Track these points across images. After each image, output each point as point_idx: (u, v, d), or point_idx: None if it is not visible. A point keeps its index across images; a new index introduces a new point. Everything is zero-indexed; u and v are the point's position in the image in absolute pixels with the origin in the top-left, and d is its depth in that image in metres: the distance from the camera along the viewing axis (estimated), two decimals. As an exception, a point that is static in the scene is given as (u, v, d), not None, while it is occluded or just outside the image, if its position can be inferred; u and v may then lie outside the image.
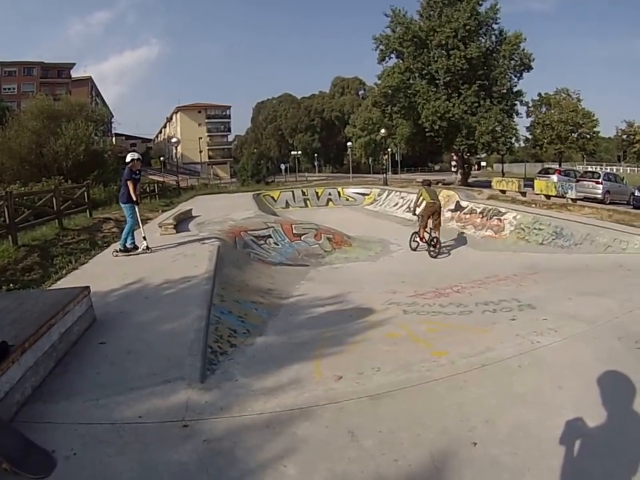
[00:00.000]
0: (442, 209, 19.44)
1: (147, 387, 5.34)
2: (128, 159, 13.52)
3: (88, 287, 7.56)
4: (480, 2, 45.71)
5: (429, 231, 18.25)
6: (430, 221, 18.27)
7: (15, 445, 4.13)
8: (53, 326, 6.03)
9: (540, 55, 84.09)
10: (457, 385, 5.28)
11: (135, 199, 13.26)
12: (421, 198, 18.91)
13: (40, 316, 6.07)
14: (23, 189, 28.40)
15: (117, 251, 13.48)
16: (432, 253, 17.74)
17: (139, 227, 13.83)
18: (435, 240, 17.96)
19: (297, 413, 4.91)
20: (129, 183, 13.13)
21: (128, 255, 13.18)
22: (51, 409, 4.98)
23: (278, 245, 17.75)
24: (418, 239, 18.79)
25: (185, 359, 5.99)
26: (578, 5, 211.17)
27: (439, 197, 19.95)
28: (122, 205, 13.76)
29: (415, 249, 18.75)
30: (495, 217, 20.99)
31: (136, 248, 13.42)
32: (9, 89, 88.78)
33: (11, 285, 11.08)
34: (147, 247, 13.41)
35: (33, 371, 5.34)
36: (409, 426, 4.61)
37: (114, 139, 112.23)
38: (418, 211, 19.35)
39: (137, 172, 13.77)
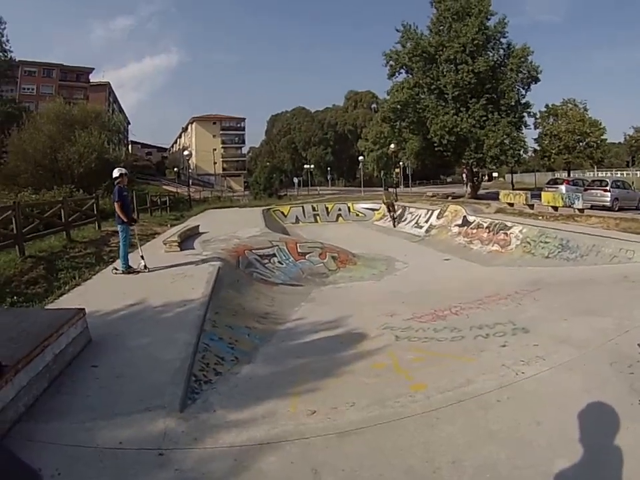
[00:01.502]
0: (394, 205, 33.91)
1: (130, 414, 5.42)
2: (116, 174, 13.50)
3: (83, 309, 7.64)
4: (488, 16, 45.75)
5: (390, 214, 33.28)
6: (389, 208, 33.39)
7: (3, 460, 4.08)
8: (47, 347, 6.16)
9: (546, 66, 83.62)
10: (428, 422, 5.15)
11: (125, 220, 13.20)
12: (384, 197, 34.47)
13: (36, 337, 6.20)
14: (34, 196, 28.56)
15: (116, 269, 13.46)
16: (394, 223, 32.66)
17: (136, 249, 13.94)
18: (394, 217, 33.05)
19: (266, 448, 4.87)
20: (116, 205, 13.10)
21: (128, 274, 13.11)
22: (42, 428, 5.12)
23: (282, 264, 17.56)
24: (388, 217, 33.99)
25: (167, 388, 6.02)
26: (584, 15, 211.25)
27: (391, 198, 34.24)
28: (117, 225, 13.67)
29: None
30: (501, 231, 20.85)
31: (131, 269, 13.34)
32: (28, 89, 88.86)
33: (15, 297, 11.12)
34: (145, 266, 13.35)
35: (26, 391, 5.49)
36: (372, 465, 4.53)
37: (130, 146, 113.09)
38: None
39: (125, 188, 13.78)
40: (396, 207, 34.04)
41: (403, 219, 32.76)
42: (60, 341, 6.56)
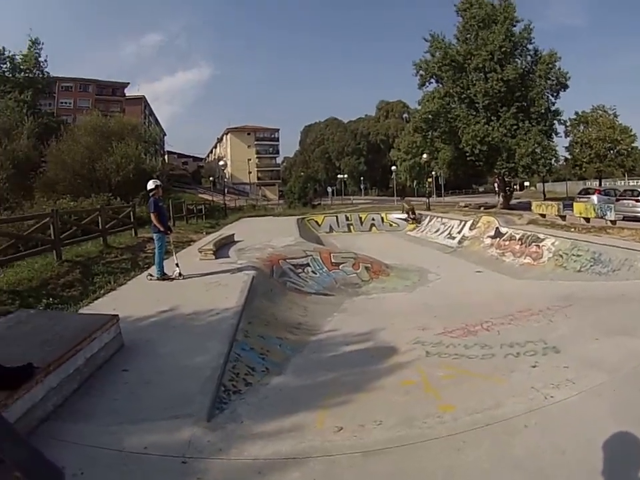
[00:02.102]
0: (414, 209, 39.09)
1: (157, 420, 5.41)
2: (151, 185, 13.65)
3: (117, 316, 7.72)
4: (514, 23, 45.79)
5: (410, 217, 38.08)
6: (409, 214, 38.31)
7: (28, 456, 4.12)
8: (79, 351, 6.29)
9: (573, 71, 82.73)
10: (455, 445, 5.02)
11: (162, 229, 13.33)
12: (404, 204, 41.11)
13: (68, 340, 6.33)
14: (72, 203, 28.91)
15: (151, 275, 13.62)
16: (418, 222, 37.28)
17: (171, 256, 14.06)
18: (412, 219, 37.87)
19: (291, 463, 4.81)
20: (152, 215, 13.22)
21: (163, 280, 13.20)
22: (68, 428, 5.19)
23: (316, 273, 17.43)
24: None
25: (196, 396, 5.98)
26: (607, 17, 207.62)
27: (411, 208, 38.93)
28: (153, 234, 13.83)
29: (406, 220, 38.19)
30: (533, 244, 20.53)
31: (166, 276, 13.39)
32: (65, 103, 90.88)
33: (51, 299, 11.36)
34: (180, 274, 13.40)
35: (55, 391, 5.59)
36: (394, 487, 4.43)
37: (166, 156, 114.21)
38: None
39: (161, 198, 13.92)
40: (415, 214, 38.59)
41: (435, 230, 32.48)
42: (92, 345, 6.67)
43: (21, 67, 70.61)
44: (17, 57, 69.95)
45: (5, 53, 69.40)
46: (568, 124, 58.84)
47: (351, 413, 5.98)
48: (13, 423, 4.46)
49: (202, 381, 6.37)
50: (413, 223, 37.47)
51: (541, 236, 20.69)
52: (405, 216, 38.74)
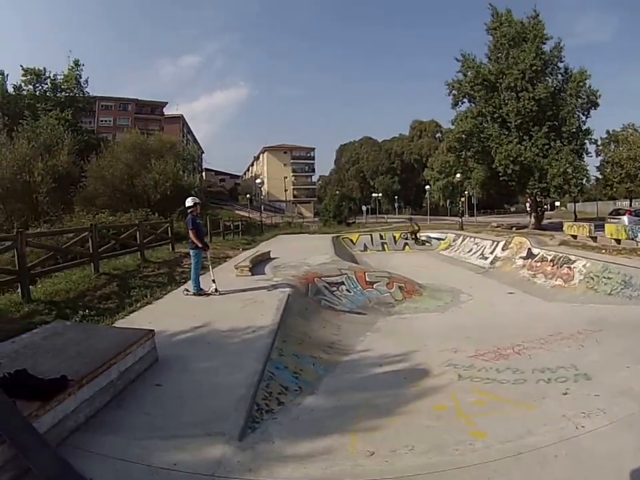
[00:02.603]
0: (419, 232, 39.48)
1: (188, 436, 5.37)
2: (189, 203, 13.72)
3: (152, 331, 7.73)
4: (544, 41, 45.46)
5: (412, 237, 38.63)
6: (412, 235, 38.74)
7: (56, 467, 4.24)
8: (113, 365, 6.32)
9: (604, 89, 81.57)
10: (485, 474, 4.89)
11: (199, 246, 13.40)
12: (412, 225, 40.48)
13: (103, 353, 6.37)
14: (111, 217, 29.38)
15: (187, 290, 13.68)
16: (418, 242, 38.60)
17: (208, 271, 14.15)
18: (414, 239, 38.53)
19: (321, 487, 4.72)
20: (190, 232, 13.31)
21: (199, 296, 13.26)
22: (98, 440, 5.18)
23: (350, 292, 17.29)
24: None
25: (230, 414, 5.93)
26: (636, 32, 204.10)
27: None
28: (190, 250, 13.90)
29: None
30: (565, 265, 20.21)
31: (202, 291, 13.44)
32: (105, 121, 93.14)
33: (87, 310, 11.47)
34: (216, 290, 13.47)
35: (88, 403, 5.64)
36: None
37: (204, 173, 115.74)
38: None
39: (198, 216, 14.13)
40: (418, 235, 39.33)
41: (468, 250, 32.17)
42: (127, 359, 6.70)
43: (62, 86, 72.19)
44: (58, 77, 72.04)
45: (46, 73, 71.36)
46: (599, 143, 58.19)
47: (382, 437, 5.88)
48: (43, 433, 4.56)
49: (235, 398, 6.32)
50: (415, 240, 39.02)
51: (572, 257, 20.41)
52: (408, 235, 39.68)
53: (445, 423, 6.37)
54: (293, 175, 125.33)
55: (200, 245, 13.42)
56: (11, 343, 6.85)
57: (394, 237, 39.40)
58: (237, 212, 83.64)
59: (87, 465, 4.49)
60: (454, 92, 49.60)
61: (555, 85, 46.04)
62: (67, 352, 6.33)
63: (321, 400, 7.42)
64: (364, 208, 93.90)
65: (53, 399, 4.91)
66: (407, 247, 38.44)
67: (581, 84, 44.58)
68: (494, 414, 6.65)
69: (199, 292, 13.37)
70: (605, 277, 17.40)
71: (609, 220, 35.26)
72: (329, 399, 7.52)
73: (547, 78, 46.48)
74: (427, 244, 38.39)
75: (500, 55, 47.82)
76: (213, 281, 13.60)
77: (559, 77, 46.94)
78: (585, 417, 6.11)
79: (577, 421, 6.00)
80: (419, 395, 7.59)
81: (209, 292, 13.42)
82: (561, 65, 46.77)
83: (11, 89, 70.80)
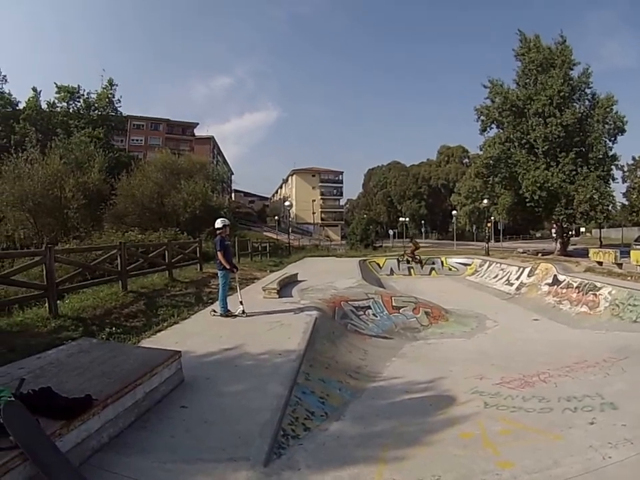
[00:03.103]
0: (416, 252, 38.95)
1: (212, 461, 5.27)
2: (219, 225, 13.72)
3: (179, 352, 7.70)
4: (571, 67, 45.47)
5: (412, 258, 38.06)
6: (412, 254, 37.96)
7: None
8: (138, 386, 6.27)
9: (630, 114, 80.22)
10: (512, 506, 4.83)
11: (227, 267, 13.38)
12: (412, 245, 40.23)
13: (128, 373, 6.34)
14: (140, 235, 29.71)
15: (214, 311, 13.67)
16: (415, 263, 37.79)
17: (235, 292, 14.02)
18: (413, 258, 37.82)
19: (347, 517, 4.63)
20: (219, 253, 13.32)
21: (226, 317, 13.23)
22: (122, 461, 5.12)
23: (376, 316, 17.23)
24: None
25: (255, 440, 5.81)
26: None
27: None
28: (218, 271, 13.90)
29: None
30: (590, 292, 19.92)
31: (229, 313, 13.40)
32: (137, 140, 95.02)
33: (114, 328, 11.52)
34: (243, 312, 13.39)
35: (112, 423, 5.60)
36: None
37: (233, 194, 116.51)
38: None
39: (227, 237, 14.12)
40: (416, 254, 39.22)
41: (494, 276, 32.03)
42: (152, 380, 6.65)
43: (95, 105, 74.05)
44: (91, 95, 75.09)
45: (80, 91, 73.70)
46: (625, 169, 57.74)
47: (409, 466, 5.80)
48: (66, 451, 4.56)
49: (261, 423, 6.22)
50: (408, 258, 39.00)
51: (598, 284, 20.14)
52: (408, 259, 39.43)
53: (471, 452, 6.29)
54: (321, 198, 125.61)
55: (228, 267, 13.42)
56: (36, 359, 6.90)
57: (421, 262, 39.12)
58: (265, 233, 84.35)
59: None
60: (482, 118, 49.74)
61: (582, 111, 45.95)
62: (92, 371, 6.35)
63: (347, 426, 7.33)
64: (391, 232, 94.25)
65: (77, 419, 4.91)
66: (433, 271, 38.30)
67: (608, 110, 44.51)
68: (521, 444, 6.53)
69: (226, 313, 13.34)
70: (630, 304, 17.17)
71: (634, 246, 34.98)
72: (355, 425, 7.42)
73: (575, 104, 46.46)
74: (453, 269, 38.26)
75: (528, 80, 48.02)
76: (241, 302, 13.53)
77: (586, 102, 47.02)
78: (612, 447, 5.99)
79: (603, 451, 5.88)
80: (445, 422, 7.49)
81: (236, 313, 13.37)
82: (588, 90, 46.88)
83: (44, 106, 72.22)
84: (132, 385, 6.03)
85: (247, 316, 13.28)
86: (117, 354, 7.27)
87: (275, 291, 17.28)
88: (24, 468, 4.08)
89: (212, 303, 15.36)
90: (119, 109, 78.50)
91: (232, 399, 7.08)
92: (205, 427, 6.10)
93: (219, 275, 13.81)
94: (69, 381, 5.83)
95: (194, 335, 11.02)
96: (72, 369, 6.39)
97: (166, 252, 19.24)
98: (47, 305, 11.70)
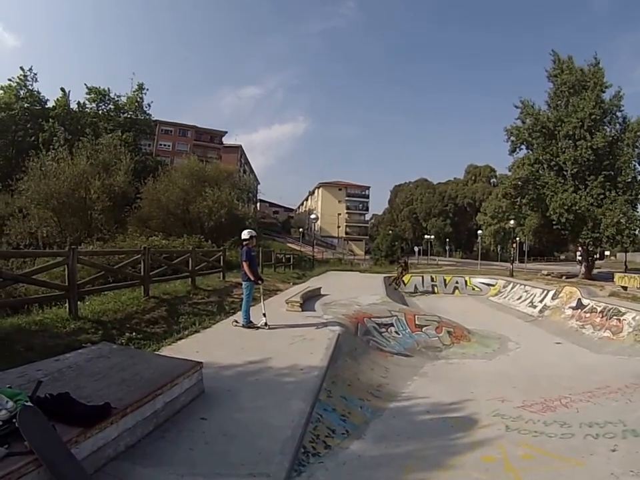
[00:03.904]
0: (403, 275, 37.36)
1: (231, 476, 5.14)
2: (245, 235, 13.70)
3: (201, 363, 7.55)
4: (603, 89, 45.07)
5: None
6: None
7: None
8: (158, 396, 6.15)
9: None
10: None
11: (252, 279, 13.37)
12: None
13: (149, 382, 6.25)
14: (164, 241, 29.89)
15: (237, 322, 13.65)
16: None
17: (260, 304, 13.89)
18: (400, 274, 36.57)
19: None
20: (244, 264, 13.31)
21: (248, 328, 13.19)
22: (137, 471, 5.02)
23: (399, 334, 17.17)
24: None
25: (275, 456, 5.65)
26: None
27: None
28: (242, 281, 13.88)
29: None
30: (614, 317, 19.87)
31: (252, 324, 13.36)
32: (165, 145, 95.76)
33: (134, 333, 11.59)
34: (266, 324, 13.31)
35: (129, 432, 5.48)
36: None
37: (258, 204, 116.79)
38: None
39: (253, 249, 14.28)
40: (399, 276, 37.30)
41: (518, 297, 31.83)
42: (173, 390, 6.55)
43: (125, 108, 76.02)
44: (121, 98, 76.47)
45: (110, 93, 75.52)
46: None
47: (431, 490, 5.73)
48: (81, 459, 4.52)
49: (282, 440, 6.07)
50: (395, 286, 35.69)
51: (622, 309, 20.04)
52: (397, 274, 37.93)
53: (493, 476, 6.27)
54: (346, 212, 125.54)
55: (253, 278, 13.41)
56: (54, 361, 6.88)
57: (444, 280, 39.09)
58: (288, 245, 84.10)
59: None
60: (512, 138, 49.42)
61: (612, 134, 45.41)
62: (111, 377, 6.31)
63: (369, 446, 7.28)
64: (416, 249, 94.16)
65: (94, 427, 4.87)
66: (456, 291, 38.15)
67: (639, 133, 43.97)
68: (543, 469, 6.50)
69: (249, 324, 13.31)
70: (654, 331, 17.00)
71: (658, 272, 34.75)
72: (376, 445, 7.37)
73: (605, 127, 45.97)
74: (476, 289, 38.11)
75: (560, 102, 47.71)
76: (264, 314, 13.45)
77: (617, 126, 46.43)
78: (634, 475, 5.97)
79: (625, 479, 5.85)
80: (466, 445, 7.46)
81: (259, 325, 13.32)
82: (619, 114, 46.32)
83: (74, 106, 73.14)
84: (152, 394, 6.00)
85: (269, 328, 13.23)
86: (137, 361, 7.23)
87: (298, 304, 17.23)
88: (37, 474, 4.07)
89: (234, 313, 15.40)
90: (148, 112, 79.56)
91: (253, 413, 6.98)
92: (225, 441, 5.96)
93: (243, 285, 13.81)
94: (87, 386, 5.83)
95: (215, 345, 10.99)
96: (91, 374, 6.38)
97: (190, 259, 19.27)
98: (67, 305, 11.80)
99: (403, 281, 37.01)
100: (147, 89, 77.73)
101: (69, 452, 4.40)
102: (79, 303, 12.19)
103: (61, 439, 4.43)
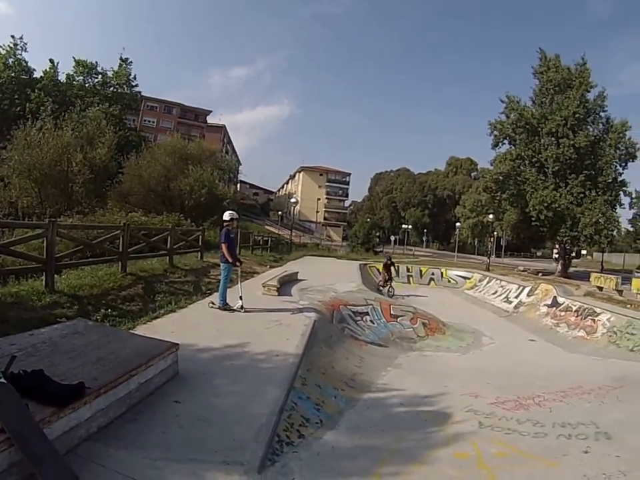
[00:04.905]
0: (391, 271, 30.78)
1: (205, 462, 5.09)
2: (226, 217, 13.64)
3: (177, 345, 7.50)
4: (588, 89, 45.52)
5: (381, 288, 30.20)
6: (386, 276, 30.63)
7: (62, 478, 4.14)
8: (133, 376, 6.07)
9: None
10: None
11: (230, 261, 13.30)
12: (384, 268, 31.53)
13: (124, 362, 6.19)
14: (144, 217, 29.73)
15: (213, 303, 13.57)
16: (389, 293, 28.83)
17: (237, 286, 13.93)
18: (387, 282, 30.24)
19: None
20: (223, 245, 13.21)
21: (224, 310, 13.14)
22: (110, 453, 4.94)
23: (374, 323, 17.29)
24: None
25: (249, 444, 5.60)
26: None
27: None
28: (220, 263, 13.79)
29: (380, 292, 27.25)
30: (589, 317, 20.12)
31: (227, 306, 13.31)
32: (149, 121, 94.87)
33: (109, 310, 11.39)
34: (242, 307, 13.24)
35: (102, 413, 5.43)
36: None
37: (239, 185, 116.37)
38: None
39: (233, 231, 13.99)
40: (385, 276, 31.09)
41: (493, 292, 32.14)
42: (148, 371, 6.50)
43: (112, 81, 75.99)
44: (108, 72, 76.33)
45: (98, 67, 75.63)
46: (633, 196, 57.71)
47: (404, 484, 5.72)
48: (53, 439, 4.43)
49: (256, 427, 6.02)
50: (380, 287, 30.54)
51: (598, 310, 20.30)
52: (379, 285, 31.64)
53: (466, 473, 6.26)
54: (326, 198, 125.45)
55: (231, 260, 13.33)
56: (29, 336, 6.76)
57: (420, 271, 39.39)
58: (267, 227, 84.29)
59: (96, 478, 4.42)
60: (495, 132, 49.82)
61: (595, 134, 45.96)
62: (86, 355, 6.22)
63: (343, 437, 7.26)
64: (392, 238, 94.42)
65: (67, 407, 4.79)
66: (432, 282, 38.45)
67: (621, 135, 44.54)
68: (516, 469, 6.51)
69: (225, 306, 13.25)
70: (628, 333, 17.32)
71: (636, 274, 35.10)
72: (350, 436, 7.36)
73: (588, 126, 46.48)
74: (452, 281, 38.28)
75: (544, 99, 48.17)
76: (240, 297, 13.38)
77: (600, 126, 46.95)
78: (606, 478, 5.97)
79: (598, 483, 5.84)
80: (440, 440, 7.46)
81: (235, 308, 13.25)
82: (603, 114, 46.86)
83: (62, 77, 72.82)
84: (127, 375, 5.93)
85: (245, 311, 13.17)
86: (112, 340, 7.12)
87: (275, 289, 17.24)
88: (9, 454, 4.00)
89: (210, 294, 15.37)
90: (134, 87, 79.20)
91: (227, 398, 6.92)
92: (199, 426, 5.91)
93: (221, 267, 13.72)
94: (61, 364, 5.74)
95: (191, 327, 10.88)
96: (65, 351, 6.28)
97: (168, 237, 19.20)
98: (44, 278, 11.66)
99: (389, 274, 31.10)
100: (131, 61, 77.16)
101: (43, 433, 4.31)
102: (55, 276, 12.06)
103: (34, 418, 4.36)
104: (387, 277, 30.52)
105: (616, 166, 45.41)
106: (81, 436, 5.01)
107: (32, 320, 8.93)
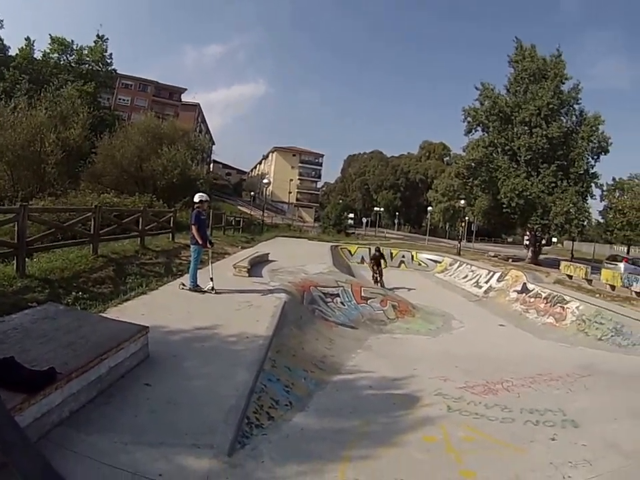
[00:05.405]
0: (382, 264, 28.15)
1: (176, 446, 5.13)
2: (197, 199, 13.66)
3: (147, 328, 7.46)
4: (563, 80, 46.11)
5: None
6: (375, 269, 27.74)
7: (34, 466, 4.02)
8: (104, 360, 6.03)
9: (616, 136, 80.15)
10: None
11: (200, 242, 13.26)
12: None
13: (95, 346, 6.14)
14: (116, 198, 29.45)
15: (183, 285, 13.48)
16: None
17: (207, 267, 14.07)
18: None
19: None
20: (193, 227, 13.17)
21: (194, 292, 13.07)
22: (82, 439, 4.93)
23: (344, 305, 17.29)
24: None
25: (219, 426, 5.67)
26: None
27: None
28: (191, 245, 13.74)
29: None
30: (558, 304, 20.31)
31: (198, 288, 13.26)
32: (123, 100, 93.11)
33: (80, 293, 11.22)
34: (212, 288, 13.26)
35: (74, 398, 5.39)
36: None
37: (212, 165, 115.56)
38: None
39: (204, 213, 14.03)
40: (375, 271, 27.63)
41: (464, 276, 32.38)
42: (118, 355, 6.46)
43: (87, 58, 73.77)
44: (84, 49, 73.87)
45: (74, 45, 73.32)
46: (604, 188, 58.24)
47: (372, 467, 5.77)
48: (24, 426, 4.30)
49: (226, 409, 6.07)
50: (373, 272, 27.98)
51: (567, 298, 20.50)
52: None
53: (434, 456, 6.30)
54: (298, 179, 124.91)
55: (201, 242, 13.30)
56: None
57: (391, 254, 39.23)
58: (239, 207, 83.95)
59: (67, 464, 4.33)
60: (469, 119, 50.07)
61: (568, 126, 46.53)
62: (57, 340, 6.15)
63: (312, 419, 7.28)
64: (364, 220, 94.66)
65: (39, 393, 4.75)
66: (402, 265, 38.71)
67: (594, 128, 45.11)
68: (484, 453, 6.57)
69: (195, 288, 13.19)
70: (596, 322, 17.49)
71: (605, 265, 35.41)
72: (319, 419, 7.39)
73: (562, 118, 47.06)
74: (423, 264, 38.32)
75: (519, 88, 48.46)
76: (211, 279, 13.43)
77: (574, 118, 47.60)
78: (572, 467, 6.01)
79: (564, 470, 5.91)
80: (409, 423, 7.50)
81: (205, 289, 13.24)
82: (576, 106, 47.49)
83: (39, 55, 71.56)
84: (98, 359, 5.91)
85: (216, 293, 13.17)
86: (83, 324, 7.03)
87: (246, 270, 17.23)
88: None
89: (181, 275, 15.19)
90: (109, 66, 78.03)
91: (198, 381, 6.92)
92: (170, 409, 5.93)
93: (191, 249, 13.66)
94: (32, 350, 5.69)
95: (161, 309, 10.81)
96: (36, 337, 6.21)
97: (140, 218, 18.97)
98: (14, 263, 11.42)
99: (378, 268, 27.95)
100: (107, 39, 75.93)
101: (14, 421, 4.26)
102: (26, 260, 11.86)
103: (5, 406, 4.31)
104: (376, 272, 27.49)
105: (588, 158, 46.12)
106: (53, 421, 4.99)
107: (3, 306, 8.77)
